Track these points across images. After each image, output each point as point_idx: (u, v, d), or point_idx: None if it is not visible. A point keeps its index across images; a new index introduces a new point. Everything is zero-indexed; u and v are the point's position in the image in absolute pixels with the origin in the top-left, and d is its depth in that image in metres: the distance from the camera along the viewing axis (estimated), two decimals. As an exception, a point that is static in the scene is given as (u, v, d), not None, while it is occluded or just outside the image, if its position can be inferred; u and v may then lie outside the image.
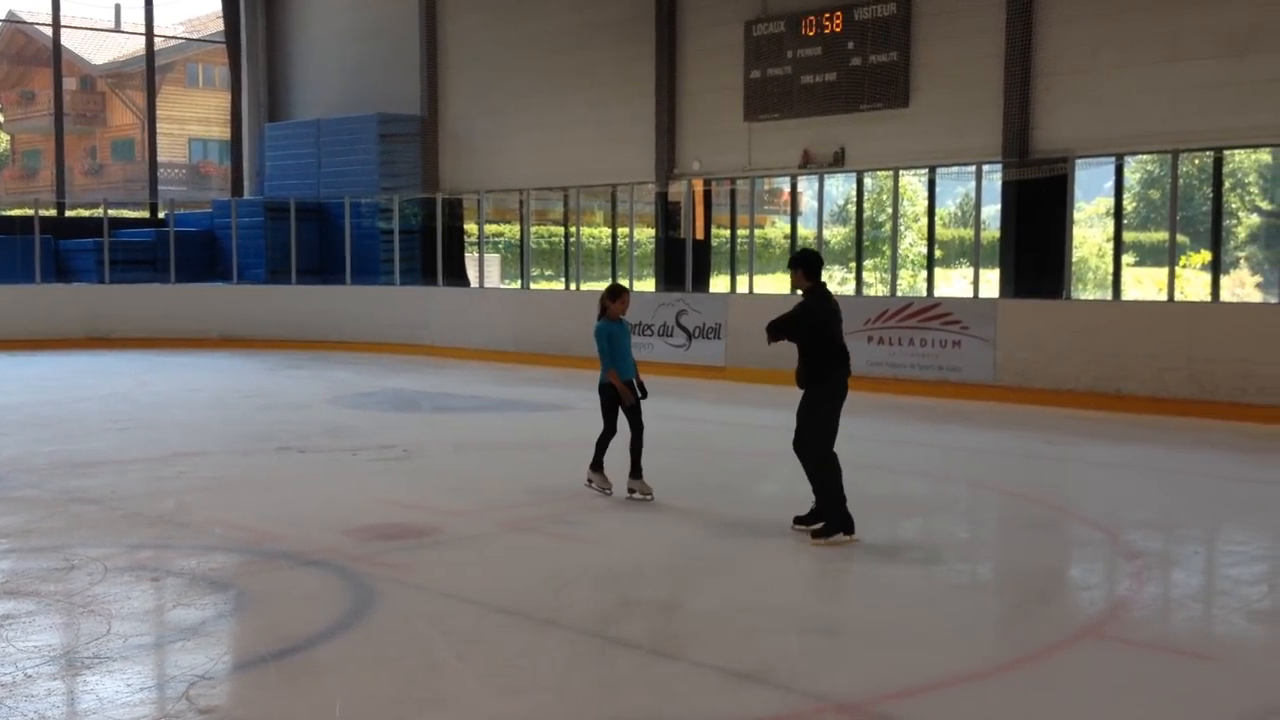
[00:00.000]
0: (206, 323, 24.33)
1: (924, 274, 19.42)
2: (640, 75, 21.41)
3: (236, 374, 19.62)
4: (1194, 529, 9.12)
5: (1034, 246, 16.81)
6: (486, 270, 24.51)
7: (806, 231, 21.13)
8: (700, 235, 21.14)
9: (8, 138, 47.41)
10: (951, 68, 17.59)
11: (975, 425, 13.75)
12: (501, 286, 26.65)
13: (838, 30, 18.56)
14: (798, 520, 8.62)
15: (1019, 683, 5.72)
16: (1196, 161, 17.40)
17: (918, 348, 16.21)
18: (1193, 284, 18.59)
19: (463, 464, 11.50)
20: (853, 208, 20.53)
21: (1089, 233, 21.99)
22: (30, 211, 26.07)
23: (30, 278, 24.44)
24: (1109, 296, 16.74)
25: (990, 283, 17.33)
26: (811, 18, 18.84)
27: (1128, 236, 19.36)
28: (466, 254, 25.07)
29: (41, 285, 24.45)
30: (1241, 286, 20.96)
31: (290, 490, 10.05)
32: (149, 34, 29.12)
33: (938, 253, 19.98)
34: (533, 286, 23.81)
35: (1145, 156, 18.38)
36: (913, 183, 21.81)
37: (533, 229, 24.66)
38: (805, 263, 8.71)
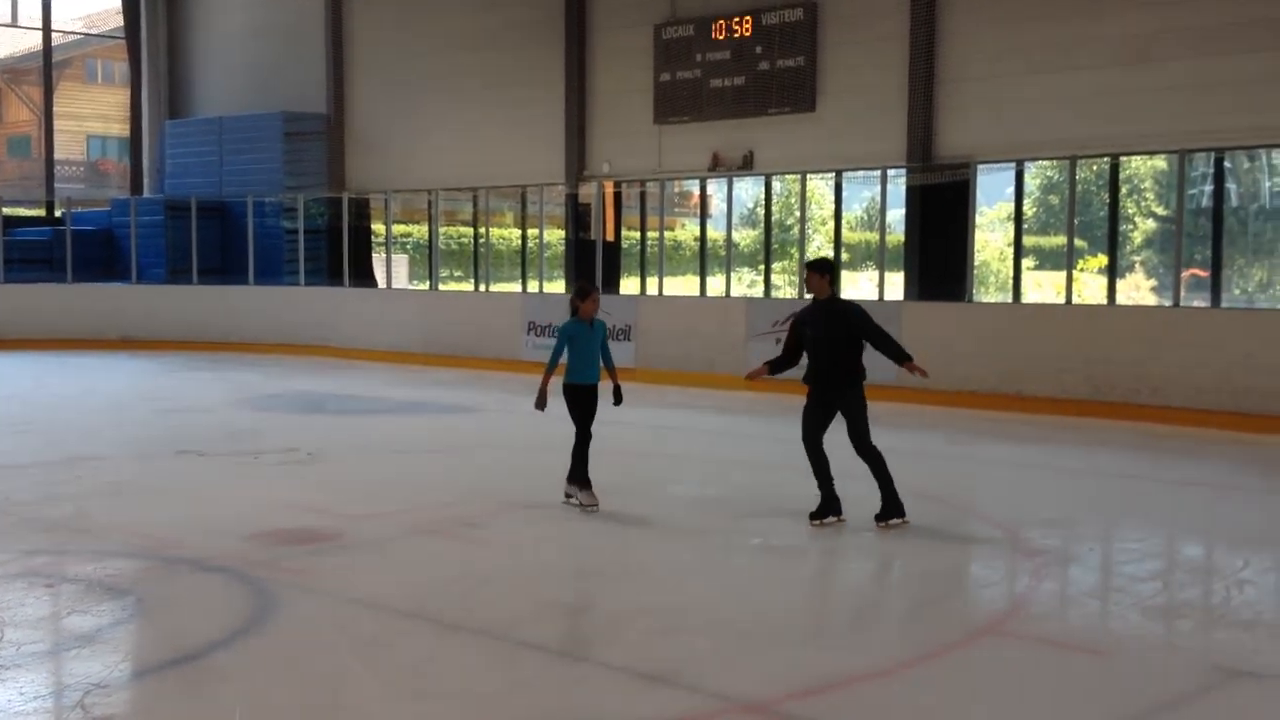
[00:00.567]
0: (105, 323, 23.77)
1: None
2: (550, 76, 21.37)
3: (136, 376, 19.22)
4: (1091, 527, 9.34)
5: (937, 250, 17.08)
6: (394, 271, 24.28)
7: (716, 234, 21.24)
8: (610, 237, 21.16)
9: (-104, 133, 45.90)
10: (857, 73, 17.82)
11: (880, 425, 13.84)
12: (409, 287, 26.41)
13: (746, 35, 18.70)
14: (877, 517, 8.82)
15: (921, 680, 5.80)
16: (1094, 168, 17.80)
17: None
18: (1090, 287, 18.99)
19: (369, 467, 11.37)
20: (762, 210, 20.68)
21: (991, 237, 22.38)
22: (-79, 209, 25.29)
23: (-80, 277, 23.72)
24: (1010, 299, 17.07)
25: (895, 285, 17.57)
26: (720, 21, 18.95)
27: (1028, 241, 19.72)
28: (374, 254, 24.81)
29: (-68, 285, 23.74)
30: (1137, 290, 21.46)
31: (191, 495, 9.86)
32: (46, 29, 28.41)
33: (845, 255, 20.20)
34: (441, 287, 23.64)
35: (1045, 162, 18.76)
36: (820, 186, 22.01)
37: (441, 230, 24.48)
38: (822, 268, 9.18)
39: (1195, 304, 15.71)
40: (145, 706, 5.41)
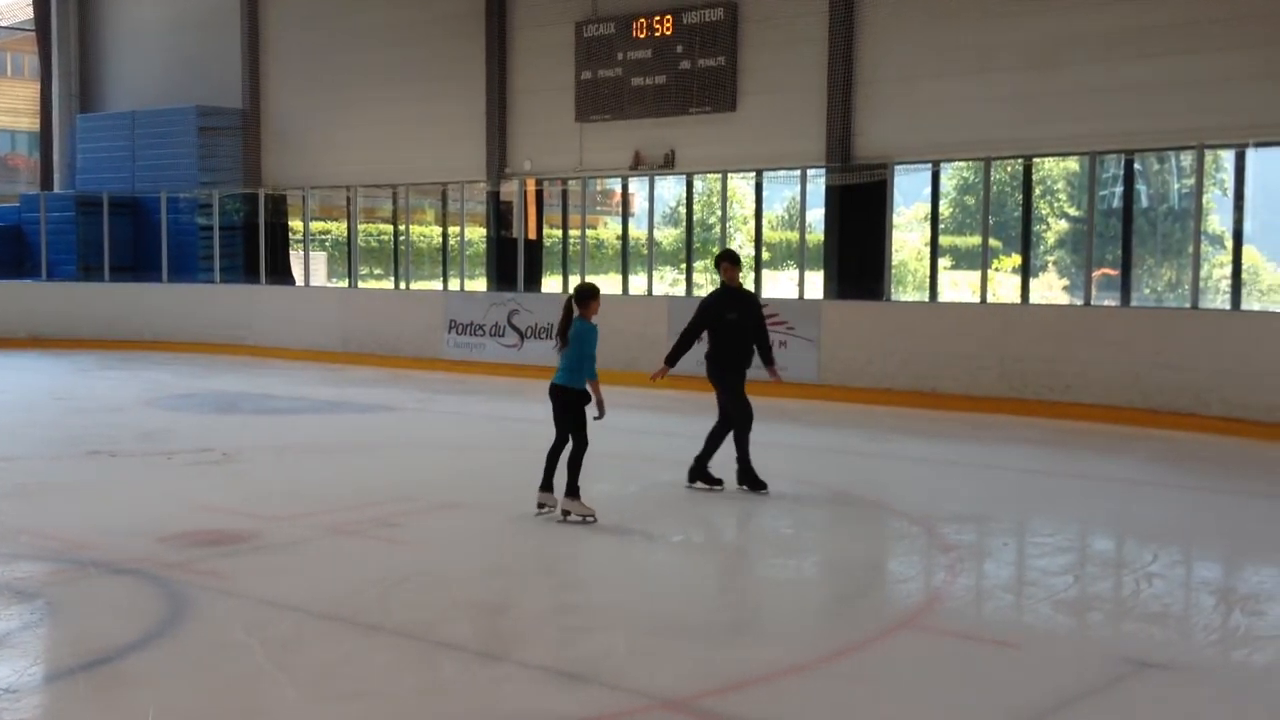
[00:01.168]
0: (14, 321, 23.22)
1: (752, 275, 19.75)
2: (471, 73, 21.25)
3: (46, 375, 18.80)
4: (1005, 522, 9.49)
5: (856, 249, 17.26)
6: (312, 268, 23.98)
7: (639, 233, 21.27)
8: (533, 235, 21.09)
9: None
10: (777, 74, 17.94)
11: (800, 423, 14.04)
12: (328, 285, 26.12)
13: (667, 34, 18.74)
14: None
15: (839, 673, 5.86)
16: (1009, 169, 18.10)
17: (745, 348, 16.47)
18: (1005, 286, 19.32)
19: (285, 467, 11.23)
20: (683, 209, 20.75)
21: (909, 237, 22.67)
22: None
23: None
24: (926, 298, 17.29)
25: (815, 284, 17.72)
26: (642, 20, 18.98)
27: (944, 241, 20.01)
28: (291, 251, 24.49)
29: None
30: (1050, 289, 21.88)
31: (101, 496, 9.67)
32: (-49, 18, 27.69)
33: (765, 254, 20.33)
34: (361, 285, 23.40)
35: (960, 163, 19.04)
36: (741, 186, 22.16)
37: (361, 227, 24.23)
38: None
39: (1106, 303, 16.04)
40: (56, 711, 5.30)
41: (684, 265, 20.56)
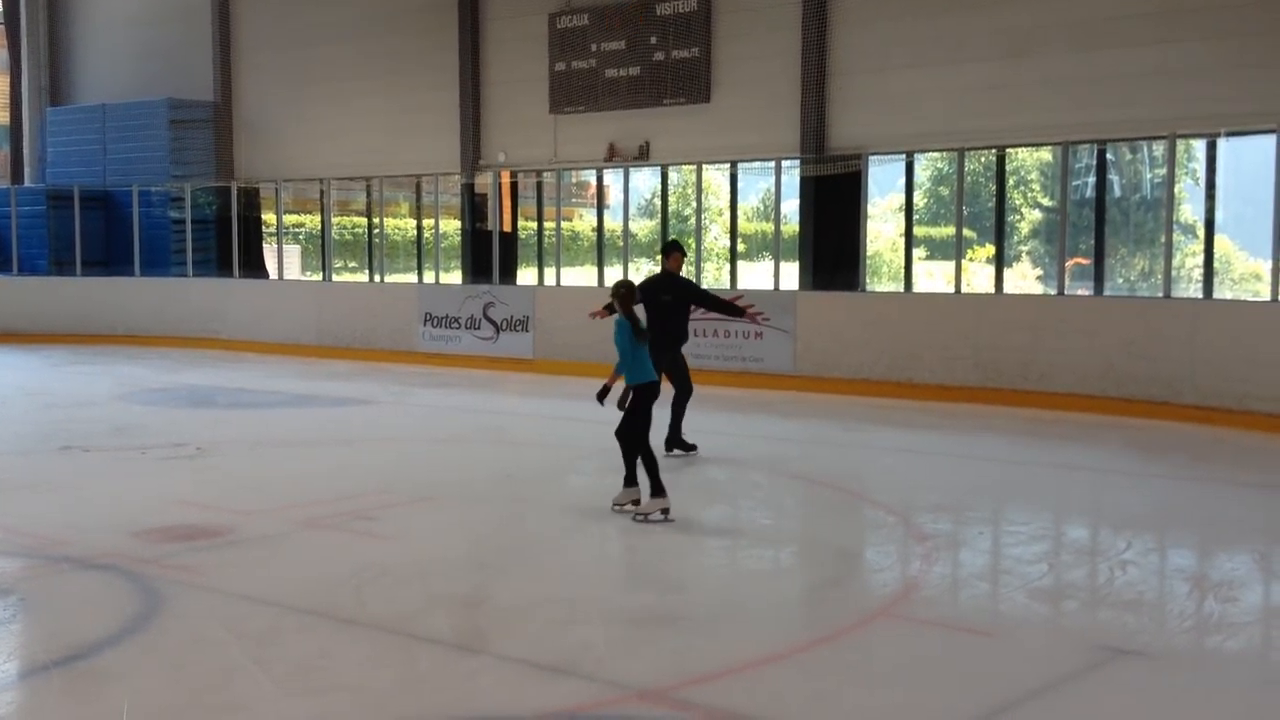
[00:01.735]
0: (-16, 317, 23.05)
1: (728, 267, 19.77)
2: (444, 65, 21.18)
3: (17, 370, 18.65)
4: (980, 511, 9.54)
5: (831, 240, 17.29)
6: (286, 262, 23.86)
7: (614, 225, 21.24)
8: (507, 227, 21.05)
9: None
10: (751, 65, 17.94)
11: (776, 414, 14.07)
12: (302, 279, 25.99)
13: (641, 25, 18.72)
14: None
15: (815, 663, 5.88)
16: (982, 159, 18.16)
17: (721, 339, 16.48)
18: (979, 276, 19.39)
19: (259, 462, 11.18)
20: (659, 201, 20.74)
21: (883, 227, 22.73)
22: None
23: None
24: (901, 289, 17.34)
25: (790, 275, 17.75)
26: (615, 11, 18.95)
27: (919, 231, 20.08)
28: (265, 245, 24.36)
29: None
30: (1023, 279, 21.98)
31: (74, 491, 9.60)
32: (-82, 11, 27.40)
33: (740, 246, 20.35)
34: (335, 278, 23.30)
35: (934, 154, 19.10)
36: (717, 177, 22.17)
37: (335, 220, 24.12)
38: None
39: (1079, 292, 16.12)
40: (30, 708, 5.26)
41: (659, 257, 20.54)
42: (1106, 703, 5.41)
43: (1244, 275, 20.23)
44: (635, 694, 5.36)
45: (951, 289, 16.03)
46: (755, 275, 21.60)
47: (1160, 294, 14.32)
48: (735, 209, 19.43)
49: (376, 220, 22.53)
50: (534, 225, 21.42)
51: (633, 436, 8.80)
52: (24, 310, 23.15)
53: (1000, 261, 16.66)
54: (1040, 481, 10.63)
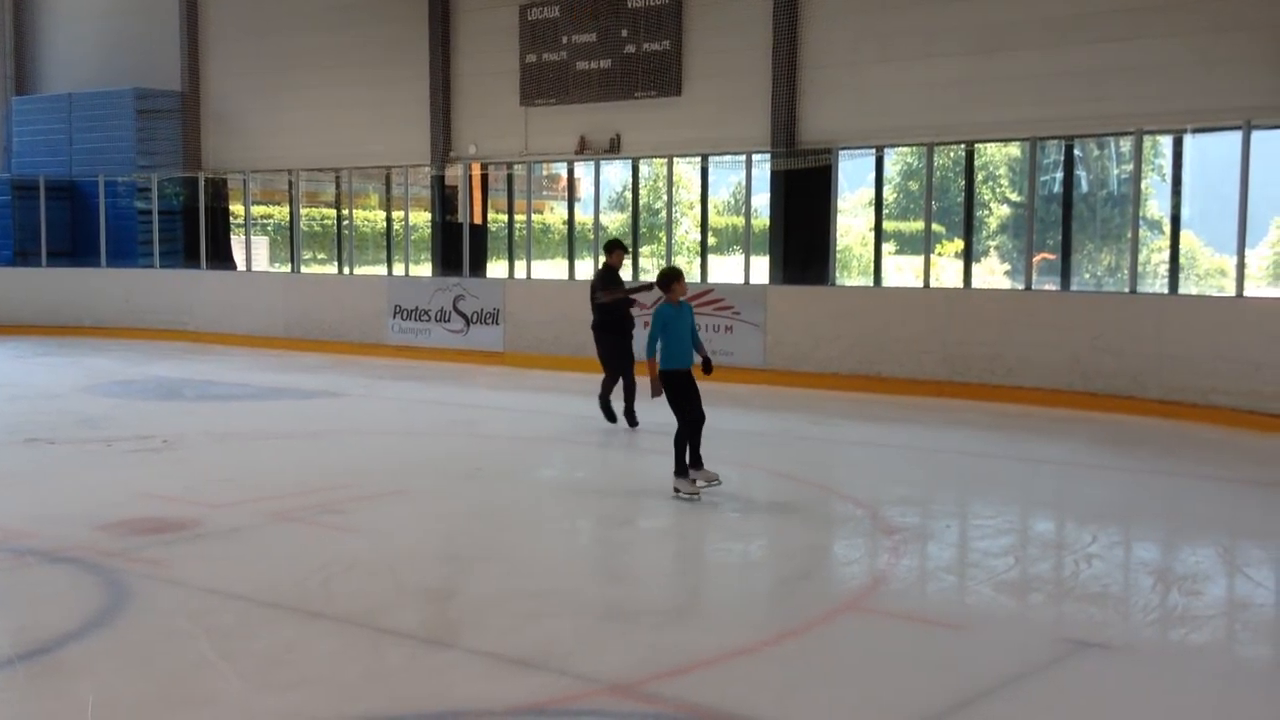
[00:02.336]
0: (-53, 307, 22.81)
1: (698, 260, 19.78)
2: (414, 56, 21.09)
3: (-19, 362, 18.47)
4: (947, 504, 9.59)
5: (802, 234, 17.33)
6: (254, 253, 23.71)
7: (585, 218, 21.21)
8: (477, 220, 20.99)
9: None
10: (722, 58, 17.96)
11: (746, 408, 14.10)
12: (270, 270, 25.84)
13: (612, 17, 18.69)
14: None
15: (784, 656, 5.90)
16: (951, 154, 18.24)
17: (691, 333, 16.48)
18: (948, 271, 19.47)
19: (227, 454, 11.12)
20: (630, 194, 20.73)
21: (853, 222, 22.77)
22: None
23: None
24: (871, 283, 17.40)
25: (761, 269, 17.78)
26: (586, 4, 18.92)
27: (888, 226, 20.15)
28: (232, 236, 24.20)
29: None
30: (991, 274, 22.08)
31: (40, 484, 9.52)
32: (-121, -3, 27.03)
33: (711, 240, 20.36)
34: (304, 270, 23.18)
35: (904, 149, 19.16)
36: (687, 170, 22.17)
37: (303, 211, 23.98)
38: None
39: (1046, 287, 16.22)
40: (-9, 704, 5.22)
41: (630, 250, 20.53)
42: (1072, 695, 5.46)
43: (1209, 271, 20.41)
44: (605, 688, 5.37)
45: (920, 284, 16.10)
46: (726, 269, 21.60)
47: (1126, 289, 14.42)
48: (706, 202, 19.44)
49: (346, 212, 22.43)
50: (504, 218, 21.37)
51: (689, 423, 9.14)
52: (-12, 301, 22.93)
53: (969, 256, 16.74)
54: (1007, 475, 10.70)
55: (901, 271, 21.51)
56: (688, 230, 25.92)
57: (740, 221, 19.61)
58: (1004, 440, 12.17)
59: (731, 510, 9.45)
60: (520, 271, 20.05)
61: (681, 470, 9.20)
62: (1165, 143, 15.91)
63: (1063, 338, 14.21)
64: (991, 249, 23.79)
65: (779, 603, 6.98)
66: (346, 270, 21.94)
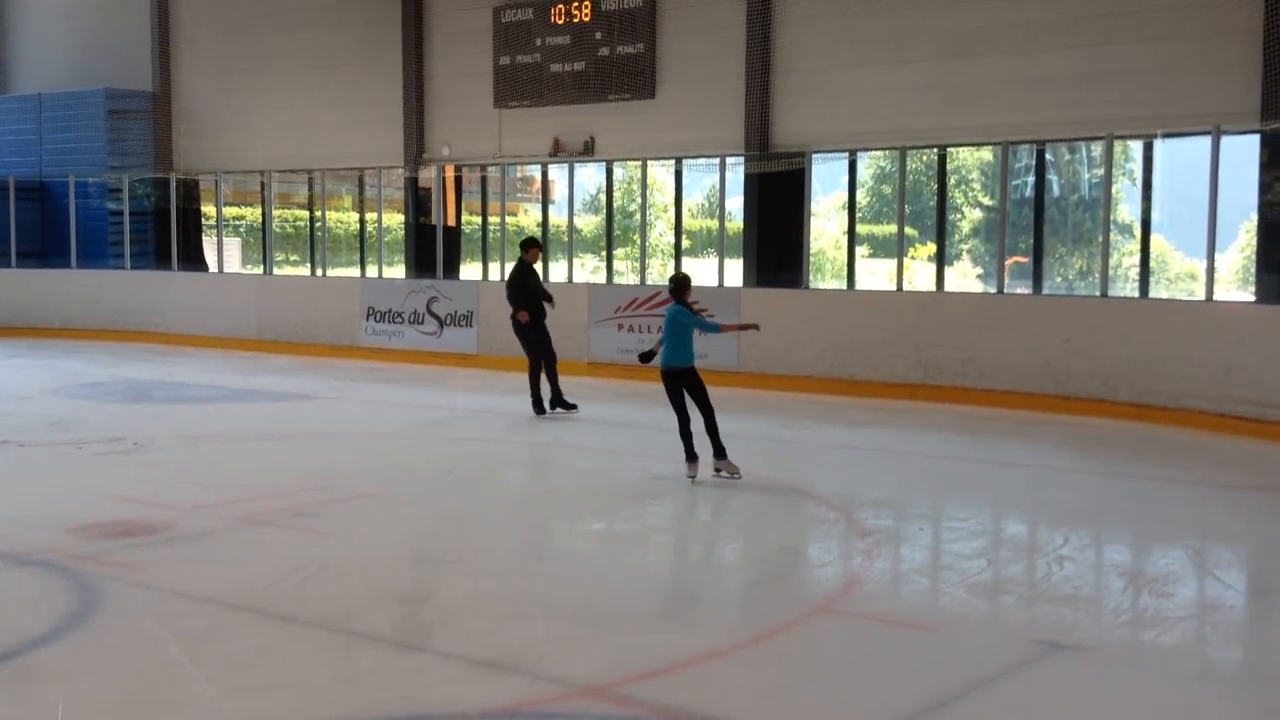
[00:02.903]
0: (-86, 309, 22.58)
1: (672, 263, 19.79)
2: (388, 57, 21.03)
3: (-52, 364, 18.30)
4: (920, 507, 9.62)
5: (775, 237, 17.36)
6: (226, 255, 23.59)
7: (559, 220, 21.19)
8: (451, 221, 20.94)
9: None
10: (696, 61, 17.98)
11: (719, 411, 14.04)
12: (243, 272, 25.69)
13: (586, 20, 18.70)
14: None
15: (758, 658, 5.91)
16: (924, 158, 18.30)
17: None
18: (920, 274, 19.52)
19: (198, 457, 11.05)
20: (604, 197, 20.72)
21: (827, 225, 22.81)
22: None
23: None
24: (844, 286, 17.45)
25: (735, 272, 17.79)
26: (560, 6, 18.91)
27: (862, 229, 20.18)
28: (204, 237, 24.05)
29: None
30: (964, 277, 22.13)
31: (8, 487, 9.45)
32: None
33: (685, 242, 20.37)
34: (276, 272, 23.07)
35: (877, 152, 19.21)
36: (661, 173, 22.18)
37: (276, 212, 23.86)
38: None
39: (1019, 291, 16.29)
40: (-43, 709, 5.17)
41: (604, 253, 20.54)
42: (1044, 696, 5.49)
43: (1179, 275, 20.54)
44: (578, 690, 5.36)
45: (893, 287, 16.15)
46: (700, 272, 21.60)
47: (1097, 293, 14.51)
48: (680, 205, 19.46)
49: (319, 213, 22.33)
50: (478, 220, 21.33)
51: (696, 415, 9.85)
52: (-44, 302, 22.72)
53: (941, 260, 16.80)
54: (979, 478, 10.75)
55: (874, 275, 21.55)
56: (662, 233, 25.91)
57: (714, 224, 19.63)
58: (976, 443, 12.22)
59: (705, 513, 9.46)
60: (494, 273, 20.01)
61: (690, 457, 9.87)
62: (1136, 147, 16.02)
63: (1034, 341, 14.27)
64: (964, 252, 23.87)
65: (753, 605, 6.98)
66: (319, 272, 21.85)
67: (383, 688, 5.40)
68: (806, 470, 11.02)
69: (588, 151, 19.09)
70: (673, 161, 18.85)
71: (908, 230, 16.91)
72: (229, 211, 24.37)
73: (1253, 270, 14.95)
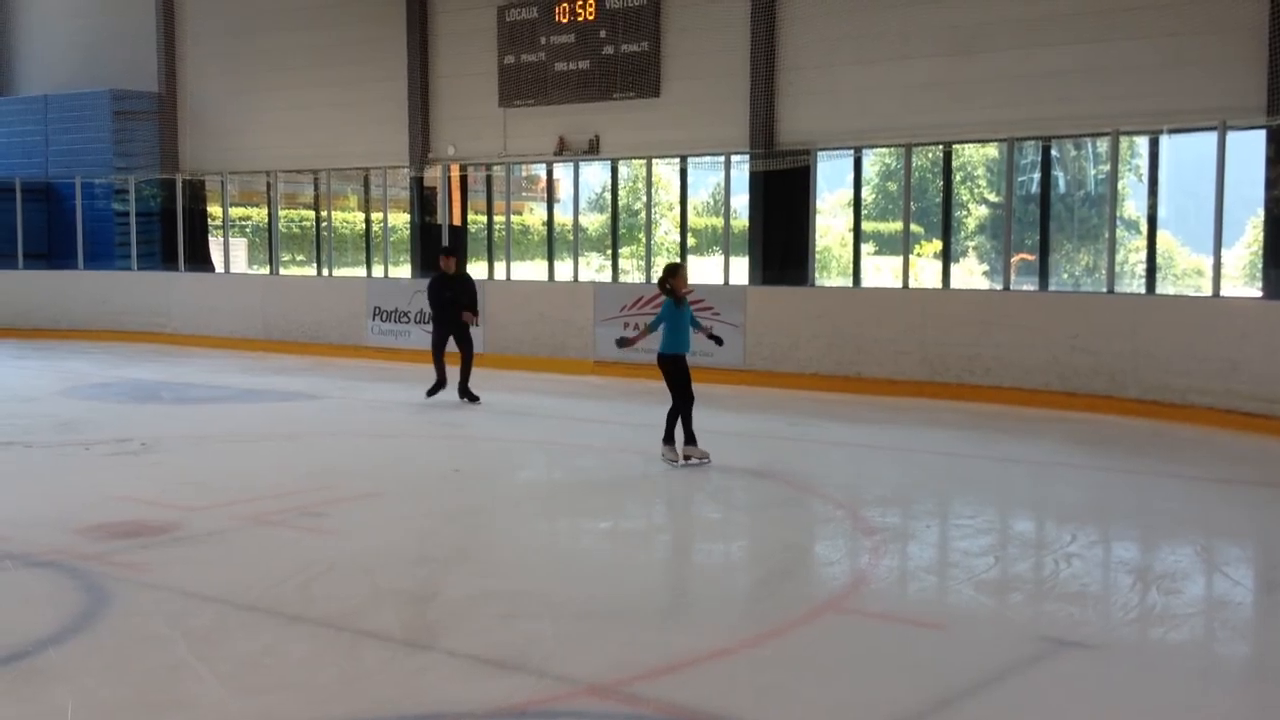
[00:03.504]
0: (-78, 310, 22.64)
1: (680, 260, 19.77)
2: (393, 57, 21.05)
3: (-44, 365, 18.34)
4: (927, 504, 9.61)
5: (781, 235, 17.35)
6: (232, 255, 23.62)
7: (564, 219, 21.19)
8: (457, 221, 20.95)
9: None
10: (701, 59, 17.97)
11: (725, 409, 14.10)
12: (249, 272, 25.73)
13: (590, 18, 18.69)
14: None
15: (765, 657, 5.90)
16: (929, 155, 18.28)
17: (670, 333, 16.45)
18: (926, 271, 19.49)
19: (205, 457, 11.07)
20: (609, 195, 20.72)
21: (832, 222, 22.78)
22: None
23: None
24: (850, 283, 17.43)
25: (740, 270, 17.79)
26: (564, 4, 18.91)
27: (867, 226, 20.17)
28: (210, 238, 24.10)
29: None
30: (970, 274, 22.10)
31: (16, 487, 9.47)
32: None
33: (690, 240, 20.36)
34: (282, 272, 23.10)
35: (882, 150, 19.20)
36: (666, 171, 22.16)
37: (282, 213, 23.89)
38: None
39: (1025, 287, 16.28)
40: (-34, 709, 5.18)
41: (610, 251, 20.54)
42: (1052, 693, 5.48)
43: (1186, 271, 20.50)
44: (585, 689, 5.36)
45: (899, 284, 16.14)
46: (705, 270, 21.60)
47: (1104, 289, 14.48)
48: (685, 203, 19.45)
49: (324, 213, 22.36)
50: (484, 219, 21.33)
51: (685, 400, 10.38)
52: (-37, 304, 22.77)
53: (947, 257, 16.79)
54: (986, 475, 10.73)
55: (880, 272, 21.53)
56: (667, 231, 25.91)
57: (719, 222, 19.62)
58: (982, 440, 12.21)
59: (712, 511, 9.46)
60: (500, 273, 20.02)
61: (668, 439, 10.37)
62: (1142, 143, 15.99)
63: (1040, 337, 14.25)
64: (970, 249, 23.85)
65: (760, 603, 6.98)
66: (325, 272, 21.87)
67: (389, 686, 5.40)
68: (812, 468, 11.00)
69: (593, 150, 19.09)
70: (678, 160, 18.84)
71: (913, 227, 16.88)
72: (235, 212, 24.40)
73: (1259, 266, 14.92)
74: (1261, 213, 14.53)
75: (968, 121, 15.93)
